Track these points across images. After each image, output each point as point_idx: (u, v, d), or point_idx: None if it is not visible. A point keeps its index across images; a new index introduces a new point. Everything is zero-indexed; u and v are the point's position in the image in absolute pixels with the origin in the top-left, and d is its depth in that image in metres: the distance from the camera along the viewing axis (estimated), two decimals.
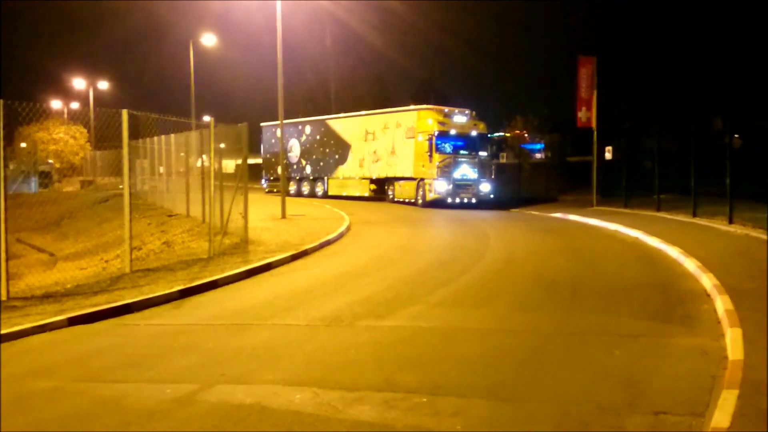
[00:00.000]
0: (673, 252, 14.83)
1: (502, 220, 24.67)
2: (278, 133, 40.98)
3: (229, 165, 20.99)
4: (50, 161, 49.25)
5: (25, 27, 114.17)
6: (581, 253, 16.17)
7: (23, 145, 49.97)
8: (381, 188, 34.44)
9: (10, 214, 10.85)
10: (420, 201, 30.91)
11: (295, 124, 41.01)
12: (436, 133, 29.85)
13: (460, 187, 30.11)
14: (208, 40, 40.95)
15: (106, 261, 17.22)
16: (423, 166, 30.60)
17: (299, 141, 40.25)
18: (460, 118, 31.04)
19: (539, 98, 77.89)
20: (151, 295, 10.72)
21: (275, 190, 40.24)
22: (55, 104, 54.88)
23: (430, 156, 29.86)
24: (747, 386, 6.16)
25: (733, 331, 7.98)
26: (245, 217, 16.37)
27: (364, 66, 70.02)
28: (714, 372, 6.88)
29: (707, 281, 11.20)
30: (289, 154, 40.32)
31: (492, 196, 31.19)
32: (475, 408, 6.08)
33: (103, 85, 59.14)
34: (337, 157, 37.23)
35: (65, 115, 54.22)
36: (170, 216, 23.10)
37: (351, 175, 36.20)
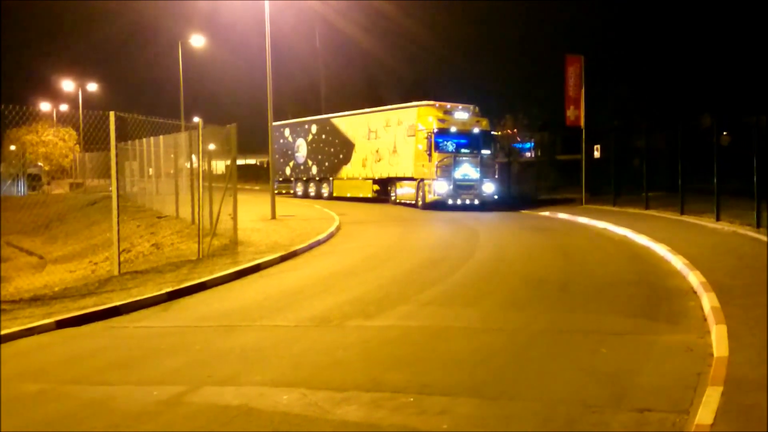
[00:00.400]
0: (661, 249, 14.91)
1: (492, 219, 24.71)
2: (287, 132, 40.94)
3: (220, 166, 21.02)
4: (39, 164, 49.07)
5: (13, 28, 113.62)
6: (569, 251, 16.24)
7: (12, 147, 49.75)
8: (384, 189, 32.96)
9: None
10: (420, 203, 29.35)
11: (302, 124, 40.22)
12: (436, 131, 28.25)
13: (461, 187, 28.38)
14: (197, 41, 40.98)
15: (95, 263, 17.17)
16: (423, 165, 29.06)
17: (306, 141, 39.19)
18: (462, 114, 29.44)
19: (529, 97, 78.12)
20: (139, 298, 10.71)
21: (283, 192, 40.01)
22: (44, 106, 54.73)
23: (429, 155, 28.30)
24: (731, 383, 6.21)
25: (718, 328, 8.04)
26: (234, 218, 16.36)
27: (354, 66, 70.19)
28: (699, 369, 6.93)
29: (694, 278, 11.27)
30: (296, 155, 39.84)
31: (496, 197, 29.45)
32: (461, 407, 6.10)
33: (93, 86, 59.10)
34: (341, 156, 35.97)
35: (54, 117, 54.05)
36: (160, 218, 23.04)
37: (355, 176, 34.89)
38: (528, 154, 47.83)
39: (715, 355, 7.22)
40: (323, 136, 37.76)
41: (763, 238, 15.64)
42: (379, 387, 6.60)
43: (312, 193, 38.24)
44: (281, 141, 40.88)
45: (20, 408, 6.45)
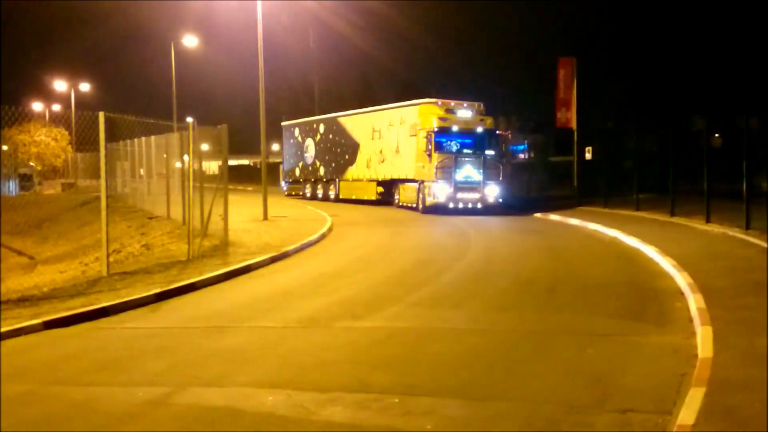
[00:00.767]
0: (650, 251, 14.97)
1: (484, 220, 24.69)
2: (297, 132, 40.27)
3: (213, 166, 21.01)
4: (31, 164, 48.90)
5: (5, 29, 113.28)
6: (559, 252, 16.29)
7: (4, 147, 49.58)
8: (388, 191, 31.30)
9: None
10: (420, 206, 27.51)
11: (311, 123, 39.31)
12: (436, 130, 26.38)
13: (462, 190, 26.51)
14: (190, 41, 40.93)
15: (86, 264, 17.10)
16: (423, 167, 27.16)
17: (314, 141, 38.04)
18: (465, 112, 27.61)
19: (522, 99, 78.42)
20: (127, 299, 10.68)
21: (293, 193, 39.64)
22: (37, 106, 54.62)
23: (429, 155, 26.40)
24: (714, 384, 6.24)
25: (704, 329, 8.08)
26: (225, 219, 16.35)
27: (348, 66, 70.23)
28: (683, 370, 6.96)
29: (682, 280, 11.32)
30: (305, 155, 39.03)
31: (501, 200, 27.36)
32: (446, 408, 6.12)
33: (85, 86, 58.93)
34: (347, 157, 34.59)
35: (47, 117, 53.92)
36: (150, 218, 22.98)
37: (360, 177, 33.49)
38: (521, 156, 47.92)
39: (700, 356, 7.26)
40: (330, 136, 36.60)
41: (753, 240, 15.72)
42: (365, 388, 6.61)
43: (320, 195, 36.92)
44: (291, 141, 40.38)
45: (5, 409, 6.43)
